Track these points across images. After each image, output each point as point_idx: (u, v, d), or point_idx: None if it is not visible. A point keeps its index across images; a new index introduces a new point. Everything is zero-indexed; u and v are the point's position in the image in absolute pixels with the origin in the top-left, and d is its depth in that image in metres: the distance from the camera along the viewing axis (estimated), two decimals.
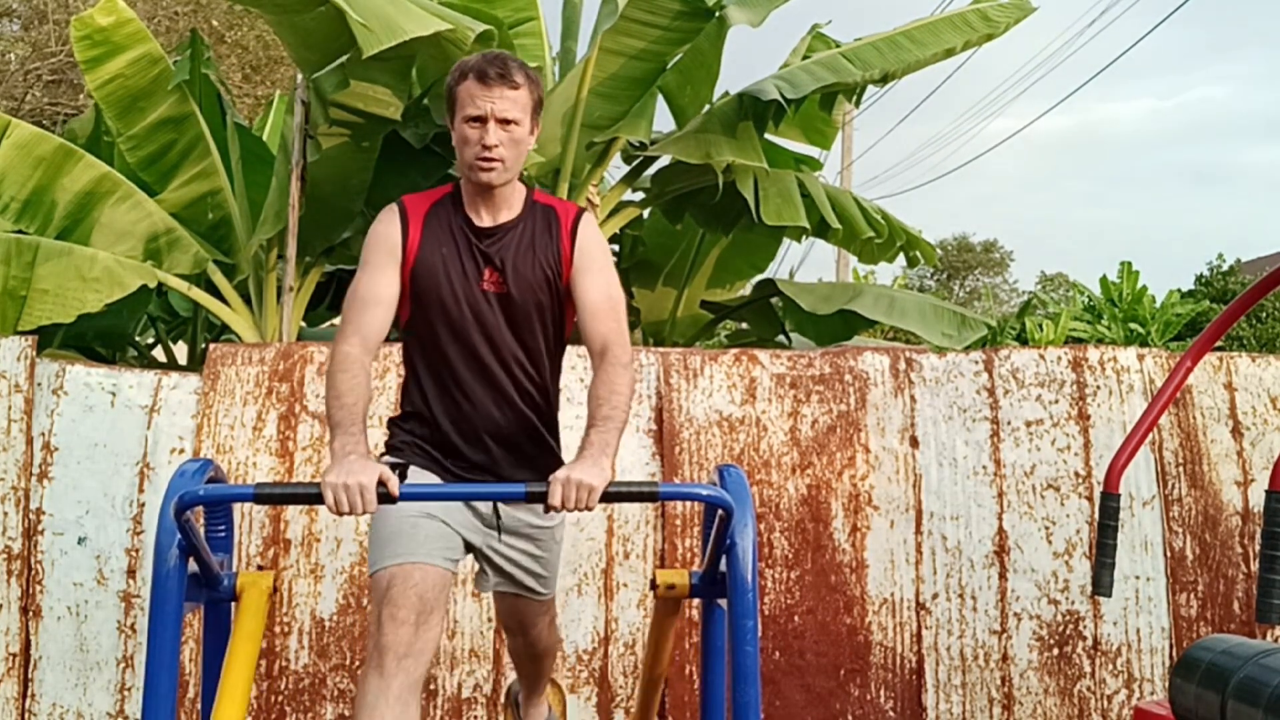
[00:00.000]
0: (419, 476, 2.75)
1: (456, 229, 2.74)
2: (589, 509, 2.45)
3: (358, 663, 4.20)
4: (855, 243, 8.37)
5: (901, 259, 8.93)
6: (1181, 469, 4.55)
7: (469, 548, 2.79)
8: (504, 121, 2.63)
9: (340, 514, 2.41)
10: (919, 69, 7.32)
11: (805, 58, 7.46)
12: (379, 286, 2.69)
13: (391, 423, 2.86)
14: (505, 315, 2.73)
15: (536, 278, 2.74)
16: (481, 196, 2.75)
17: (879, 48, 7.06)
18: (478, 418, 2.75)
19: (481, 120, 2.63)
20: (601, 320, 2.73)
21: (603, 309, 2.74)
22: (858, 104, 7.61)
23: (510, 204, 2.77)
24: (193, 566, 2.65)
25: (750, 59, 8.59)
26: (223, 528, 3.04)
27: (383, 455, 2.80)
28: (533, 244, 2.75)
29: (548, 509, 2.47)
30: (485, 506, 2.78)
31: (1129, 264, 18.81)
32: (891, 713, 4.35)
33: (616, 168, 7.91)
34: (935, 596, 4.41)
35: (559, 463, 2.87)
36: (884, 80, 7.11)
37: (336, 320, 9.56)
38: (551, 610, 3.06)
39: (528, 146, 2.73)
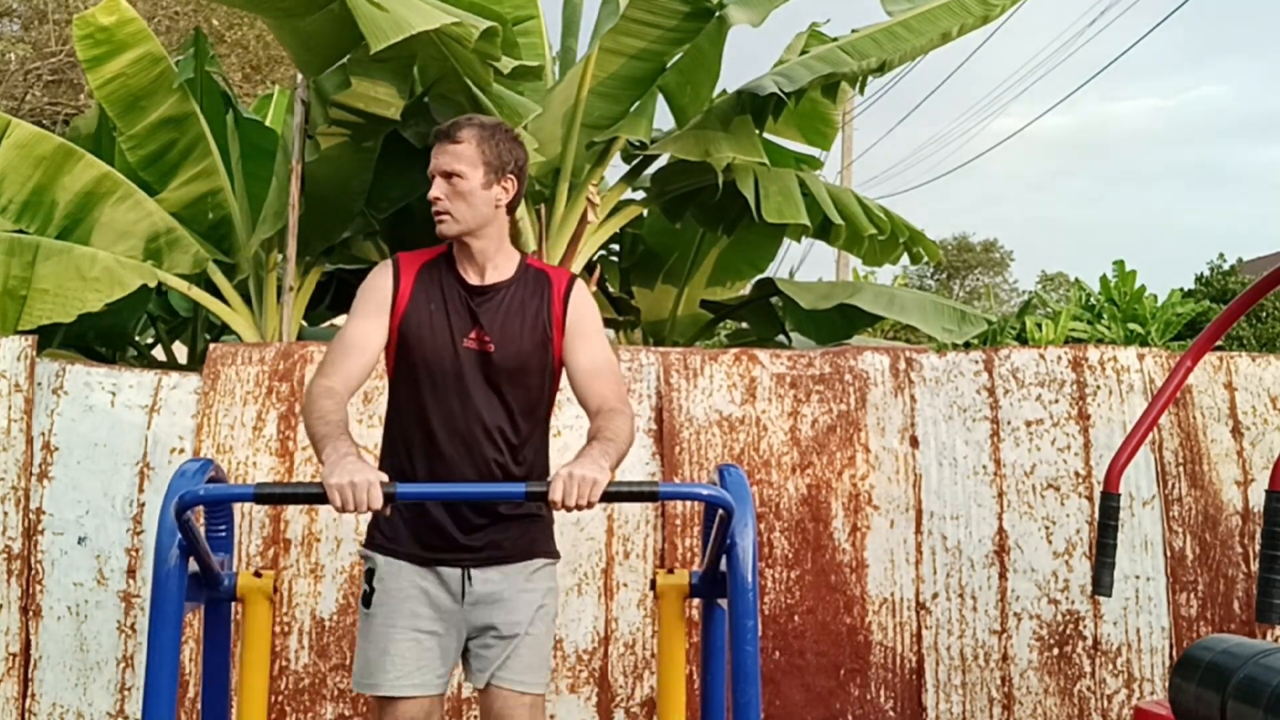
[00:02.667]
0: (393, 571, 2.76)
1: (448, 286, 2.79)
2: (590, 505, 2.45)
3: None
4: (859, 245, 8.38)
5: (904, 259, 8.94)
6: (1181, 469, 4.55)
7: (456, 645, 2.79)
8: (446, 175, 2.73)
9: (346, 512, 2.41)
10: (916, 56, 7.31)
11: (802, 54, 7.46)
12: (365, 335, 2.74)
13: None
14: (488, 376, 2.75)
15: (524, 340, 2.77)
16: (466, 256, 2.80)
17: (875, 39, 7.06)
18: (449, 476, 2.73)
19: (432, 178, 2.76)
20: (599, 381, 2.76)
21: (602, 371, 2.77)
22: (862, 90, 7.60)
23: (498, 265, 2.81)
24: (193, 566, 2.66)
25: (750, 59, 8.59)
26: (223, 528, 3.04)
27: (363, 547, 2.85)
28: (523, 306, 2.79)
29: (550, 506, 2.48)
30: (453, 581, 2.75)
31: (1123, 263, 18.82)
32: (891, 713, 4.36)
33: (616, 167, 7.91)
34: (935, 596, 4.42)
35: (544, 533, 2.86)
36: (882, 69, 7.10)
37: (337, 320, 9.60)
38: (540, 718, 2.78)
39: (485, 200, 2.75)
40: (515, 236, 6.97)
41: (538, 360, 2.78)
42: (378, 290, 2.78)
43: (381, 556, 2.78)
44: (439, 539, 2.76)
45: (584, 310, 2.83)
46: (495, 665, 2.75)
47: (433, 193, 2.75)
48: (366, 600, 2.77)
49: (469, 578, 2.76)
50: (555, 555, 2.91)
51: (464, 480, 2.73)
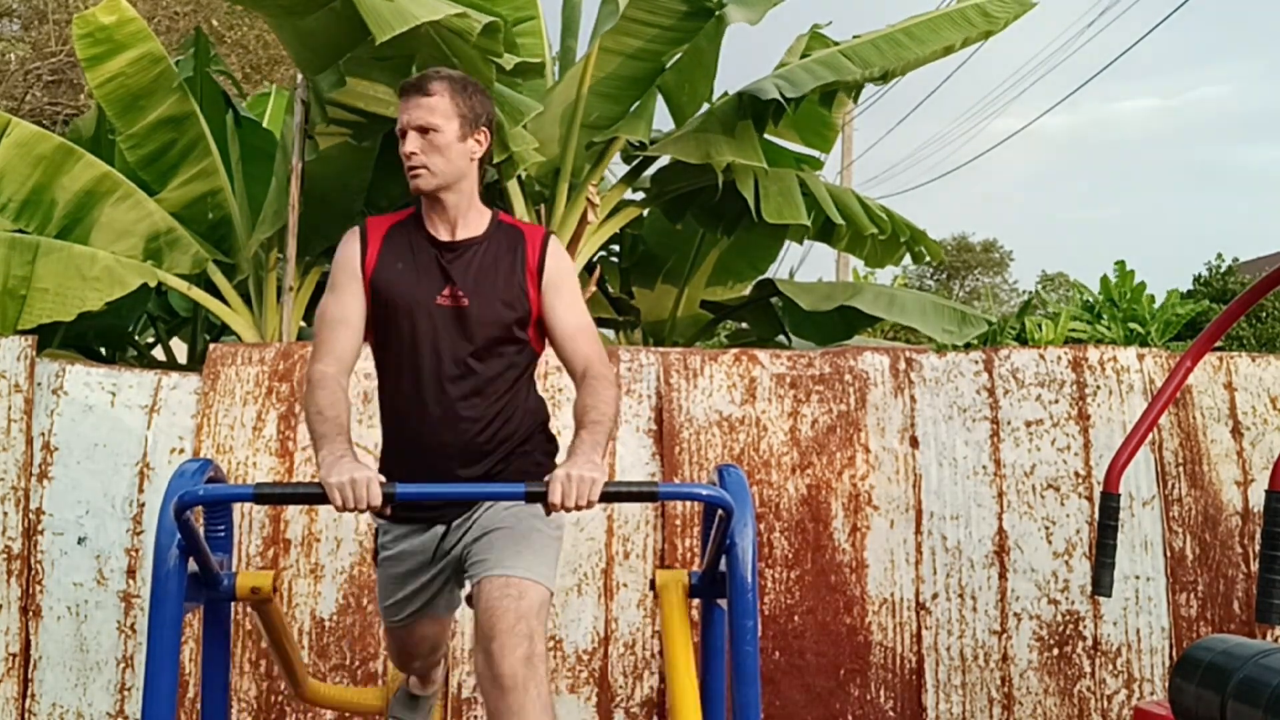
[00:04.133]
0: (390, 537, 2.85)
1: (417, 244, 2.76)
2: (590, 505, 2.44)
3: (358, 663, 4.20)
4: (861, 245, 8.38)
5: (904, 259, 8.93)
6: (1181, 469, 4.55)
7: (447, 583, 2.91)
8: (421, 130, 2.69)
9: (346, 510, 2.41)
10: (919, 66, 7.32)
11: (804, 56, 7.46)
12: (344, 307, 2.73)
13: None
14: (462, 331, 2.72)
15: (499, 294, 2.73)
16: (436, 212, 2.77)
17: (878, 45, 7.06)
18: (434, 433, 2.73)
19: (404, 133, 2.72)
20: (580, 343, 2.75)
21: (582, 332, 2.77)
22: (856, 100, 7.60)
23: (469, 221, 2.78)
24: (193, 566, 2.66)
25: (749, 58, 8.59)
26: (222, 528, 3.04)
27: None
28: (496, 262, 2.76)
29: (549, 509, 2.47)
30: (437, 539, 2.81)
31: (1124, 263, 18.81)
32: (891, 713, 4.36)
33: (616, 167, 7.92)
34: (935, 596, 4.41)
35: (538, 468, 2.83)
36: (884, 78, 7.11)
37: None
38: (528, 616, 2.45)
39: (461, 154, 2.72)
40: None
41: (515, 314, 2.75)
42: (347, 259, 2.76)
43: (383, 521, 2.83)
44: (422, 504, 2.77)
45: (561, 267, 2.80)
46: (475, 566, 2.66)
47: (407, 148, 2.70)
48: (375, 556, 2.92)
49: (448, 529, 2.80)
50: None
51: (446, 442, 2.72)
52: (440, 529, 2.81)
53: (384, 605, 2.96)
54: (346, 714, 4.19)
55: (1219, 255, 21.75)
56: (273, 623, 2.97)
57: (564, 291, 2.78)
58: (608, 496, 2.47)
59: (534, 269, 2.76)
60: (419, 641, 3.02)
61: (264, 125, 8.28)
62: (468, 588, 2.76)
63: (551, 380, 4.32)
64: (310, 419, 2.60)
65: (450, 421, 2.72)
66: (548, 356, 3.00)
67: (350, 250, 2.76)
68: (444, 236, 2.76)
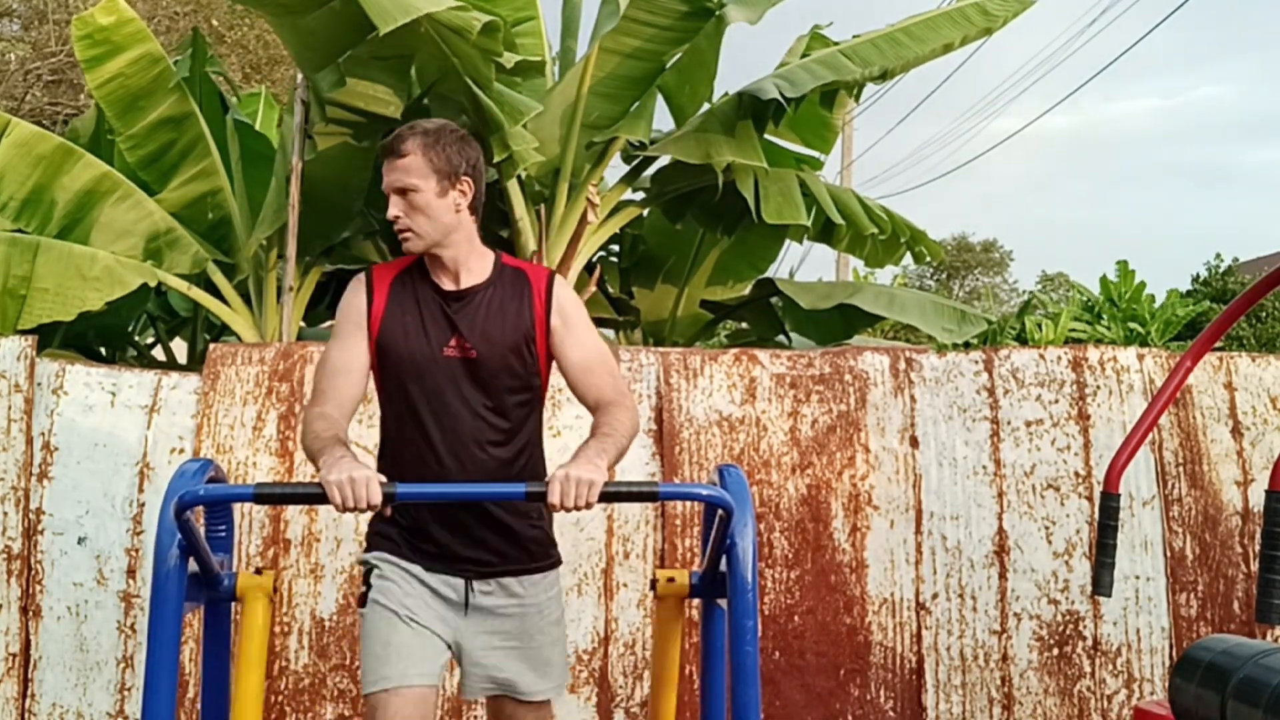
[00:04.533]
0: (391, 569, 2.72)
1: (422, 295, 2.74)
2: (589, 506, 2.44)
3: (358, 663, 4.20)
4: (861, 246, 8.38)
5: (905, 259, 8.93)
6: (1181, 469, 4.55)
7: (448, 645, 2.75)
8: (400, 191, 2.67)
9: (346, 510, 2.40)
10: (918, 65, 7.32)
11: (804, 56, 7.46)
12: (347, 356, 2.71)
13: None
14: (473, 381, 2.70)
15: (506, 341, 2.71)
16: (438, 264, 2.75)
17: (878, 45, 7.06)
18: (453, 482, 2.69)
19: (387, 196, 2.70)
20: (594, 375, 2.73)
21: (594, 364, 2.75)
22: (857, 99, 7.60)
23: (472, 268, 2.75)
24: (193, 566, 2.66)
25: (749, 58, 8.59)
26: (223, 528, 3.04)
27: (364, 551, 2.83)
28: (503, 308, 2.74)
29: (549, 509, 2.48)
30: (454, 591, 2.73)
31: (1125, 263, 18.81)
32: (891, 713, 4.35)
33: (616, 167, 7.91)
34: (935, 596, 4.41)
35: (550, 546, 2.83)
36: (883, 77, 7.11)
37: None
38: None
39: (444, 209, 2.69)
40: (515, 236, 6.98)
41: (522, 361, 2.73)
42: (353, 309, 2.74)
43: (379, 555, 2.75)
44: (439, 551, 2.73)
45: (567, 305, 2.78)
46: (501, 675, 2.73)
47: (391, 211, 2.68)
48: (363, 601, 2.73)
49: (471, 589, 2.73)
50: (557, 561, 2.88)
51: (461, 482, 2.69)
52: (460, 582, 2.74)
53: (375, 661, 2.65)
54: (346, 714, 4.19)
55: (1218, 255, 21.77)
56: (256, 624, 2.92)
57: (573, 329, 2.76)
58: (607, 496, 2.47)
59: (541, 313, 2.75)
60: (400, 704, 2.61)
61: (255, 127, 8.27)
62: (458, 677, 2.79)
63: (551, 380, 4.32)
64: (308, 446, 2.58)
65: (466, 471, 2.69)
66: None
67: (356, 300, 2.75)
68: (448, 286, 2.74)
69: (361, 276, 2.79)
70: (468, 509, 2.71)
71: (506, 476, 2.72)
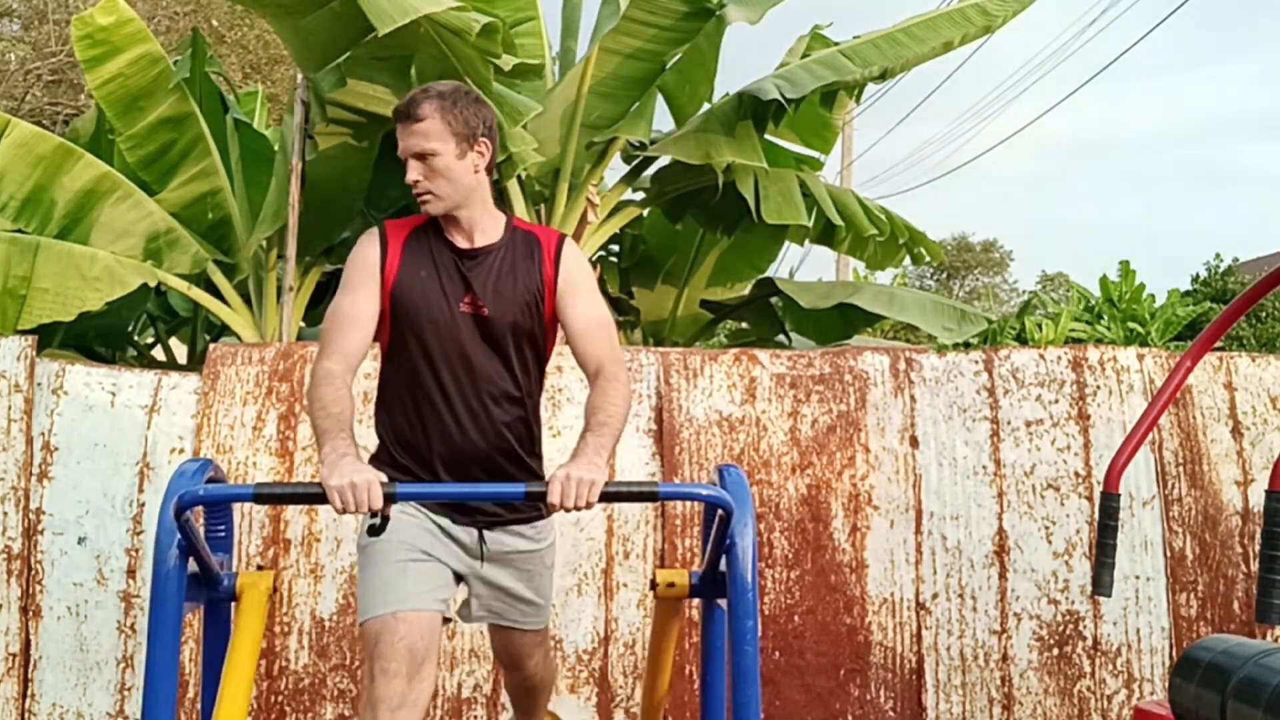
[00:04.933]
0: (403, 515, 2.70)
1: (437, 252, 2.77)
2: (589, 506, 2.45)
3: (357, 663, 4.20)
4: (862, 248, 8.38)
5: (905, 260, 8.93)
6: (1181, 469, 4.55)
7: (458, 577, 2.79)
8: (419, 156, 2.69)
9: (346, 512, 2.41)
10: (918, 64, 7.33)
11: (804, 56, 7.46)
12: (358, 307, 2.72)
13: (373, 457, 2.82)
14: (485, 338, 2.74)
15: (517, 301, 2.75)
16: (453, 223, 2.78)
17: (878, 45, 7.07)
18: (458, 441, 2.74)
19: (405, 160, 2.72)
20: (593, 342, 2.75)
21: (594, 331, 2.77)
22: (858, 100, 7.61)
23: (485, 229, 2.79)
24: (193, 566, 2.65)
25: (749, 58, 8.60)
26: (222, 528, 3.04)
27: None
28: (514, 268, 2.77)
29: (548, 508, 2.48)
30: (469, 537, 2.77)
31: (1127, 263, 18.80)
32: (891, 713, 4.36)
33: (616, 168, 7.92)
34: (935, 596, 4.41)
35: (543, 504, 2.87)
36: (883, 77, 7.12)
37: None
38: (546, 643, 3.03)
39: (464, 171, 2.71)
40: None
41: (530, 320, 2.77)
42: (366, 260, 2.75)
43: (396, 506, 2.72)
44: (456, 506, 2.77)
45: (574, 268, 2.81)
46: (509, 618, 2.87)
47: (410, 176, 2.71)
48: (373, 531, 2.62)
49: (484, 539, 2.78)
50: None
51: (468, 440, 2.73)
52: (474, 530, 2.78)
53: (372, 594, 2.60)
54: (346, 714, 4.19)
55: (1218, 255, 21.76)
56: (250, 621, 2.90)
57: (579, 291, 2.79)
58: (607, 497, 2.47)
59: (550, 275, 2.78)
60: (404, 644, 2.55)
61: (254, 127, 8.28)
62: (468, 603, 2.85)
63: (551, 380, 4.32)
64: (314, 414, 2.59)
65: (480, 425, 2.74)
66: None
67: (369, 251, 2.76)
68: (463, 244, 2.77)
69: (374, 230, 2.81)
70: (480, 465, 2.75)
71: (513, 434, 2.78)
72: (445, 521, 2.76)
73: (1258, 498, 4.53)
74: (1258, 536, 4.40)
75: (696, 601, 3.23)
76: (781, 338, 8.75)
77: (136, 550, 4.25)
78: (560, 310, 2.79)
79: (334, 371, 2.64)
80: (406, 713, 2.49)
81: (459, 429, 2.73)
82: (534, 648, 2.97)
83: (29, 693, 4.20)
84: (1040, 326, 17.71)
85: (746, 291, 9.12)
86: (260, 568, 2.95)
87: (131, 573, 4.25)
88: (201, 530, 2.84)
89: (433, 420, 2.74)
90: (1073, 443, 4.52)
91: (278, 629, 4.18)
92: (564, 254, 2.80)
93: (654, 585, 3.03)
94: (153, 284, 6.63)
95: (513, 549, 2.82)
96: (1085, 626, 4.42)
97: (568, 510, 2.45)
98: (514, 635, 2.93)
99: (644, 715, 3.35)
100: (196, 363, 8.03)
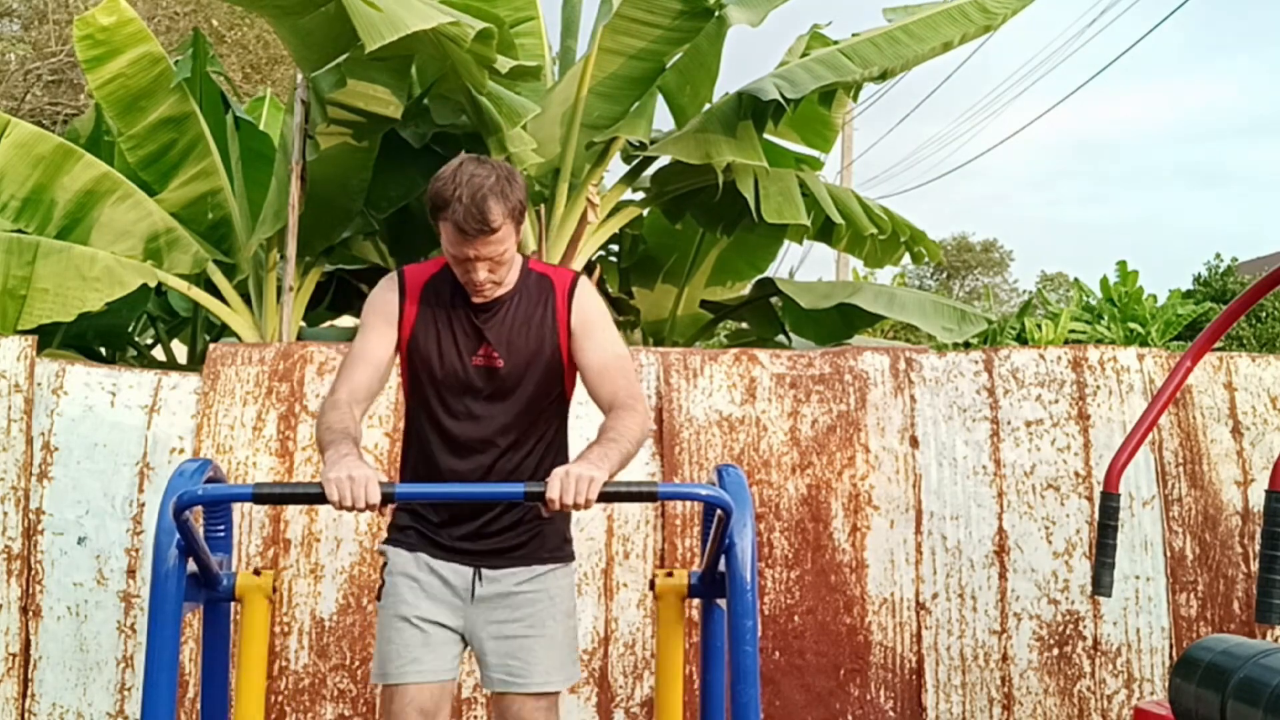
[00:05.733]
0: (402, 563, 2.77)
1: (452, 304, 2.77)
2: (589, 504, 2.45)
3: (358, 663, 4.20)
4: (860, 246, 8.39)
5: (904, 259, 8.94)
6: (1181, 469, 4.55)
7: (464, 638, 2.81)
8: (490, 259, 2.65)
9: (344, 508, 2.42)
10: (919, 63, 7.33)
11: (804, 56, 7.46)
12: (372, 348, 2.75)
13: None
14: (500, 392, 2.75)
15: (532, 351, 2.76)
16: None
17: (877, 44, 7.07)
18: (473, 502, 2.74)
19: (466, 260, 2.65)
20: (608, 380, 2.75)
21: (610, 368, 2.77)
22: (855, 98, 7.61)
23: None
24: (192, 567, 2.66)
25: (749, 58, 8.59)
26: (222, 528, 3.04)
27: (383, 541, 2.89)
28: (528, 317, 2.77)
29: (548, 508, 2.47)
30: (461, 580, 2.76)
31: (1125, 264, 18.82)
32: (891, 713, 4.36)
33: (616, 168, 7.92)
34: (935, 596, 4.42)
35: (556, 537, 2.85)
36: (883, 76, 7.12)
37: (337, 321, 9.57)
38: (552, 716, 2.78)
39: (515, 253, 2.72)
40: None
41: (546, 369, 2.78)
42: (385, 304, 2.78)
43: (392, 549, 2.81)
44: (449, 541, 2.78)
45: (588, 309, 2.81)
46: (506, 670, 2.75)
47: (480, 277, 2.66)
48: (380, 594, 2.81)
49: (479, 576, 2.77)
50: (568, 558, 2.90)
51: (482, 501, 2.74)
52: (468, 571, 2.78)
53: (381, 657, 2.73)
54: (346, 714, 4.19)
55: (1218, 255, 21.76)
56: (256, 624, 2.92)
57: (593, 332, 2.79)
58: (607, 496, 2.48)
59: (564, 319, 2.79)
60: (413, 707, 2.70)
61: (260, 128, 8.28)
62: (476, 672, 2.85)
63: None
64: (320, 437, 2.63)
65: (486, 480, 2.74)
66: None
67: (389, 296, 2.78)
68: (477, 297, 2.76)
69: (394, 276, 2.83)
70: (476, 512, 2.75)
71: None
72: (445, 570, 2.76)
73: (1258, 498, 4.53)
74: (1258, 536, 4.40)
75: (696, 601, 3.22)
76: (781, 338, 8.75)
77: (136, 550, 4.25)
78: (575, 352, 2.79)
79: (339, 401, 2.68)
80: None
81: (470, 479, 2.74)
82: (539, 715, 2.75)
83: (29, 693, 4.20)
84: (1040, 326, 17.72)
85: (746, 291, 9.12)
86: (258, 571, 2.93)
87: (131, 573, 4.25)
88: (201, 530, 2.84)
89: (448, 469, 2.76)
90: (1073, 443, 4.52)
91: (278, 629, 4.18)
92: (577, 295, 2.81)
93: (653, 585, 3.03)
94: (153, 284, 6.63)
95: (510, 589, 2.78)
96: (1085, 626, 4.42)
97: (566, 508, 2.45)
98: (511, 701, 2.74)
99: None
100: (196, 363, 8.03)
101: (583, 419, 4.07)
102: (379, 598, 2.82)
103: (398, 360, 2.82)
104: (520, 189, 2.69)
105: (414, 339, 2.76)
